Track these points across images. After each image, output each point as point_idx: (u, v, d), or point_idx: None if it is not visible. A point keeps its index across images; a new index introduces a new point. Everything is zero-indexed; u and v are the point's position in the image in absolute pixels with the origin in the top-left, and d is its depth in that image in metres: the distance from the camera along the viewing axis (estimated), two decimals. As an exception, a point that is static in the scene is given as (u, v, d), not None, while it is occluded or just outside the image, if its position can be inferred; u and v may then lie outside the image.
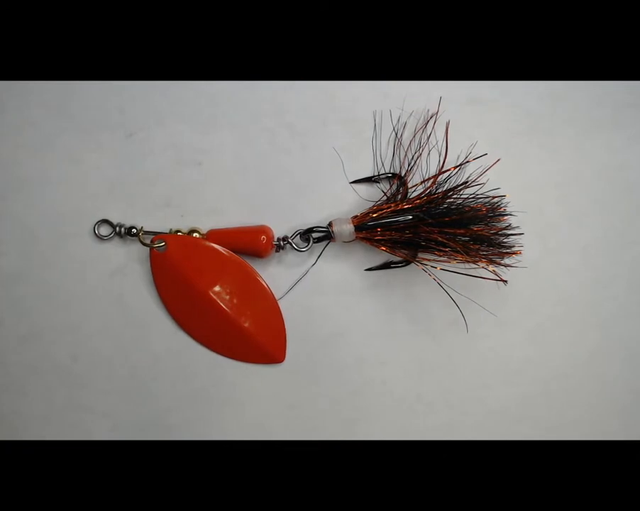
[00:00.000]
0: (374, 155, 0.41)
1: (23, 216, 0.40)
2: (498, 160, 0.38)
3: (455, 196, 0.39)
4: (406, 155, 0.40)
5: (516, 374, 0.43)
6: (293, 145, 0.41)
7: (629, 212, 0.43)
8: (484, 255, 0.38)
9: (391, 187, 0.41)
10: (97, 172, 0.40)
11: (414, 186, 0.40)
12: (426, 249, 0.39)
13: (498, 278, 0.38)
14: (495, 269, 0.38)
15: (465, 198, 0.39)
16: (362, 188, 0.41)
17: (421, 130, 0.40)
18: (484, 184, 0.39)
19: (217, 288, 0.40)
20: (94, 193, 0.40)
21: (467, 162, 0.39)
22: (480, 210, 0.38)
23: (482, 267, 0.38)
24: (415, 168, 0.40)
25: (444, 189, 0.39)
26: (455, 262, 0.38)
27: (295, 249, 0.40)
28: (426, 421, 0.43)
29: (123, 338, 0.41)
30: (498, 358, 0.43)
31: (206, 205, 0.41)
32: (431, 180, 0.40)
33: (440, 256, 0.38)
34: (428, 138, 0.40)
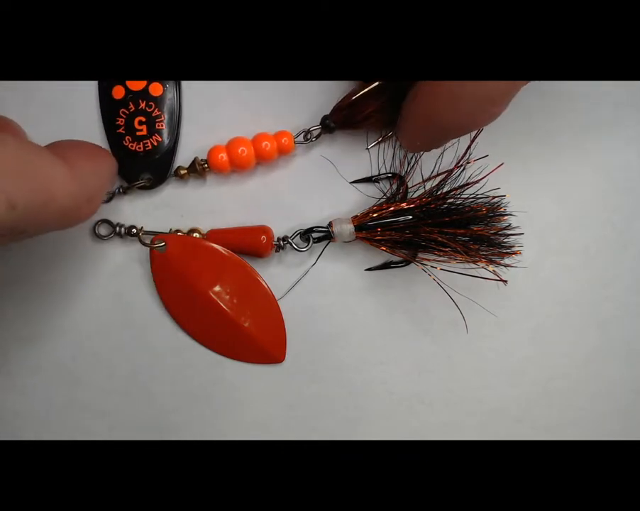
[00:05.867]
0: (375, 155, 0.41)
1: (23, 216, 0.40)
2: (501, 164, 0.38)
3: (455, 196, 0.39)
4: (406, 155, 0.40)
5: (516, 374, 0.43)
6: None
7: (629, 212, 0.43)
8: (484, 255, 0.38)
9: (391, 186, 0.41)
10: (97, 172, 0.40)
11: (414, 186, 0.40)
12: (426, 249, 0.39)
13: (498, 278, 0.38)
14: (495, 269, 0.38)
15: (465, 198, 0.39)
16: (362, 188, 0.41)
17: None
18: (484, 184, 0.39)
19: (217, 288, 0.40)
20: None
21: (469, 162, 0.39)
22: (480, 210, 0.38)
23: (482, 268, 0.38)
24: (415, 168, 0.40)
25: (444, 189, 0.39)
26: (455, 262, 0.38)
27: (295, 249, 0.40)
28: (426, 421, 0.43)
29: (123, 338, 0.41)
30: (498, 358, 0.43)
31: (206, 205, 0.41)
32: (431, 180, 0.40)
33: (441, 256, 0.38)
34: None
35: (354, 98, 0.38)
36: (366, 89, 0.38)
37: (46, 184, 0.26)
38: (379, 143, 0.40)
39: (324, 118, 0.39)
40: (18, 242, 0.27)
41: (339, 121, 0.39)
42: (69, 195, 0.27)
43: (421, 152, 0.39)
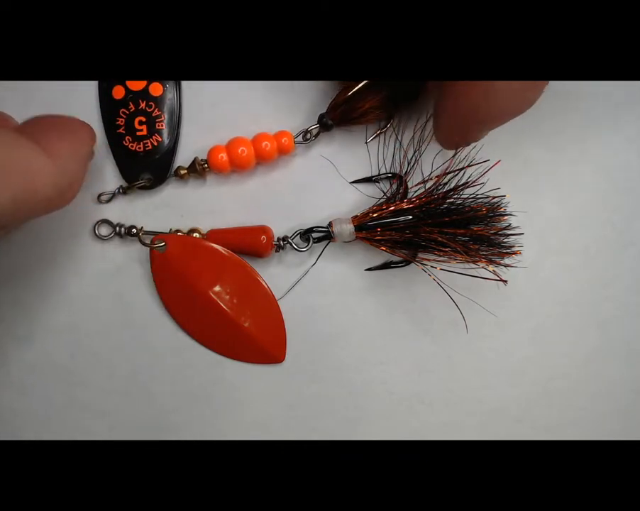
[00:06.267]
0: (375, 155, 0.41)
1: (23, 216, 0.40)
2: (498, 161, 0.38)
3: (455, 196, 0.39)
4: (405, 154, 0.40)
5: (516, 374, 0.43)
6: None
7: (629, 212, 0.43)
8: (484, 255, 0.38)
9: (391, 186, 0.41)
10: (97, 172, 0.40)
11: (413, 186, 0.40)
12: (426, 249, 0.39)
13: (498, 278, 0.38)
14: (495, 269, 0.38)
15: (465, 198, 0.39)
16: (362, 188, 0.41)
17: (420, 130, 0.40)
18: (484, 184, 0.39)
19: (217, 288, 0.40)
20: (94, 192, 0.40)
21: (470, 165, 0.39)
22: (480, 210, 0.38)
23: (482, 268, 0.38)
24: (415, 168, 0.40)
25: (444, 189, 0.39)
26: (455, 262, 0.38)
27: (295, 249, 0.40)
28: (426, 421, 0.43)
29: (123, 338, 0.41)
30: (498, 358, 0.43)
31: (206, 205, 0.41)
32: (431, 180, 0.40)
33: (441, 256, 0.38)
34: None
35: (349, 94, 0.38)
36: (359, 85, 0.38)
37: (29, 177, 0.26)
38: (377, 135, 0.40)
39: (321, 117, 0.39)
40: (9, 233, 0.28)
41: (336, 118, 0.39)
42: (51, 185, 0.28)
43: (423, 149, 0.39)
